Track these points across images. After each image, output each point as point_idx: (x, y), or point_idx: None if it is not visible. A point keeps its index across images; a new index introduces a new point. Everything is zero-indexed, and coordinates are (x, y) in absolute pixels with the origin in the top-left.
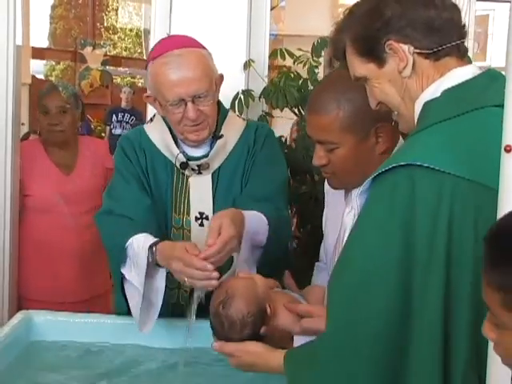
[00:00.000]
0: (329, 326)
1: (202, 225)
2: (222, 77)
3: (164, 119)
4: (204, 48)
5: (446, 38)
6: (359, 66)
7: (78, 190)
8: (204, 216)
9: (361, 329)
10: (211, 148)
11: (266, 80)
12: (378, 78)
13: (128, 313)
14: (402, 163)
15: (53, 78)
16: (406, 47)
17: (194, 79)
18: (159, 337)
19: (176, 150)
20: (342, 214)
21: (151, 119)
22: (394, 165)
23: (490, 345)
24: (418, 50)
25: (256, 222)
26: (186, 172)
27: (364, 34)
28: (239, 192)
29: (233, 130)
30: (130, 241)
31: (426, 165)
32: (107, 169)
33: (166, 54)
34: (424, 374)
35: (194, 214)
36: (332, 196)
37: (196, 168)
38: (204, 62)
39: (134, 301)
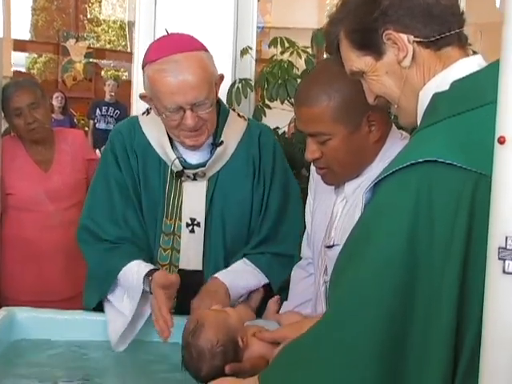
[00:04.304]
0: (326, 322)
1: (192, 231)
2: (222, 77)
3: None
4: (204, 49)
5: (446, 26)
6: (355, 60)
7: (58, 187)
8: (195, 222)
9: (359, 329)
10: (211, 154)
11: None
12: (376, 71)
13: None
14: (420, 160)
15: (35, 71)
16: (405, 37)
17: (192, 87)
18: (145, 332)
19: (172, 155)
20: (331, 205)
21: (147, 111)
22: (411, 162)
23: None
24: (417, 39)
25: (245, 281)
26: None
27: (360, 26)
28: (238, 199)
29: (233, 133)
30: (121, 272)
31: (446, 161)
32: (87, 160)
33: (163, 59)
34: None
35: (185, 219)
36: (321, 189)
37: (191, 176)
38: (203, 66)
39: (116, 325)
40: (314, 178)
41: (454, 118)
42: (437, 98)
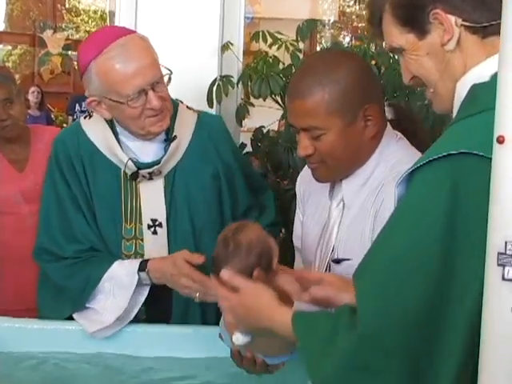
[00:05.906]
0: (358, 316)
1: (155, 233)
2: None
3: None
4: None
5: (497, 13)
6: (397, 36)
7: (33, 188)
8: (157, 223)
9: (393, 320)
10: (164, 151)
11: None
12: (417, 50)
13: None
14: (456, 151)
15: (10, 64)
16: (453, 18)
17: (147, 65)
18: (126, 345)
19: (124, 157)
20: (326, 209)
21: (89, 114)
22: (447, 152)
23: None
24: (465, 23)
25: None
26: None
27: (407, 1)
28: (200, 190)
29: (185, 127)
30: (103, 278)
31: (480, 154)
32: None
33: (107, 48)
34: (456, 364)
35: (146, 221)
36: (313, 192)
37: (147, 175)
38: (148, 45)
39: (99, 325)
40: (301, 188)
41: (492, 110)
42: (476, 88)
